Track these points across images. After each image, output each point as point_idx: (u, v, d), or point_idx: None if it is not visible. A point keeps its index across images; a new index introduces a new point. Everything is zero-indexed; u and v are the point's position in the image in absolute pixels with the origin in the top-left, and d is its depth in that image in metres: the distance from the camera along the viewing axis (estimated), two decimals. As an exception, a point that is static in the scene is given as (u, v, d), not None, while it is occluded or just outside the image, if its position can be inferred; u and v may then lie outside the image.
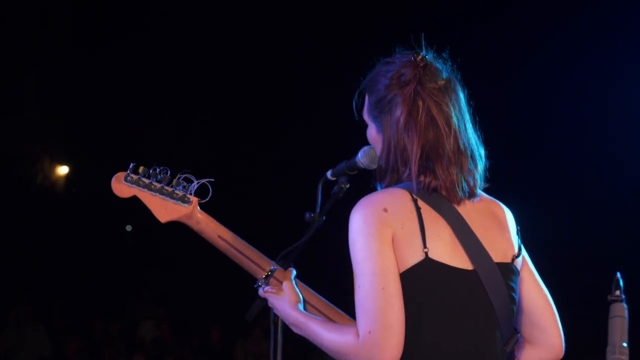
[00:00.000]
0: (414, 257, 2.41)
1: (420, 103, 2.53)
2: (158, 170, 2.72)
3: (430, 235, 2.43)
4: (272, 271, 2.69)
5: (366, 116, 2.67)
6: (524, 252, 2.67)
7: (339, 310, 2.73)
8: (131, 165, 2.73)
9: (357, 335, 2.36)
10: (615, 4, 10.12)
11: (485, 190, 2.68)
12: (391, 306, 2.34)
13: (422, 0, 11.06)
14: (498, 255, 2.54)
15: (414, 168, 2.50)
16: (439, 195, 2.51)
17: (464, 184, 2.53)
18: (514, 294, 2.55)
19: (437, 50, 2.65)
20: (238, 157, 14.02)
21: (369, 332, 2.33)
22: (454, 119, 2.54)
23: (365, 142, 2.72)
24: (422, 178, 2.51)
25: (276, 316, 2.71)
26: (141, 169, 2.73)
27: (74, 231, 14.64)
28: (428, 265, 2.41)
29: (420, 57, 2.58)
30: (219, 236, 2.71)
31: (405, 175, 2.54)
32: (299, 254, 2.74)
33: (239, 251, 2.70)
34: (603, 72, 10.36)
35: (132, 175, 2.72)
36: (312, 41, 12.33)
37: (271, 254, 2.80)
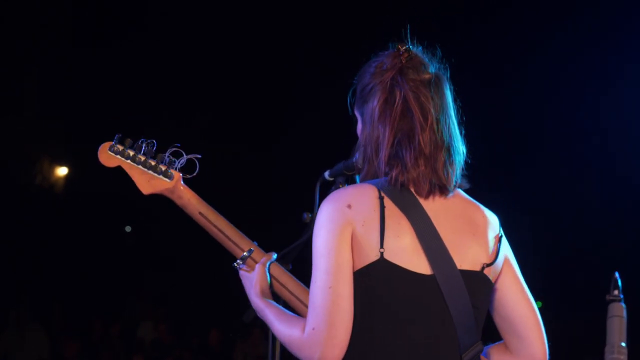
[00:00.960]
0: (369, 256, 2.38)
1: (398, 92, 2.50)
2: (145, 142, 2.77)
3: (389, 236, 2.39)
4: (250, 252, 2.69)
5: (355, 110, 2.66)
6: (508, 259, 2.60)
7: None
8: (117, 135, 2.80)
9: (303, 330, 2.36)
10: (614, 4, 10.11)
11: (467, 191, 2.63)
12: (337, 306, 2.33)
13: (423, 1, 11.06)
14: (465, 262, 2.47)
15: (384, 155, 2.47)
16: (409, 193, 2.46)
17: (434, 178, 2.48)
18: (478, 303, 2.48)
19: (434, 49, 2.63)
20: (238, 157, 14.03)
21: (313, 329, 2.33)
22: (432, 112, 2.50)
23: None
24: (391, 169, 2.47)
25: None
26: (127, 140, 2.80)
27: (73, 232, 14.64)
28: (382, 266, 2.37)
29: (404, 47, 2.57)
30: (200, 213, 2.73)
31: (377, 164, 2.51)
32: (297, 254, 2.73)
33: (220, 230, 2.71)
34: (603, 72, 10.36)
35: (118, 146, 2.78)
36: (312, 41, 12.33)
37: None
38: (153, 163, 2.74)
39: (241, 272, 2.71)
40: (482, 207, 2.61)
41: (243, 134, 14.03)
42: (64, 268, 14.48)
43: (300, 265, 2.76)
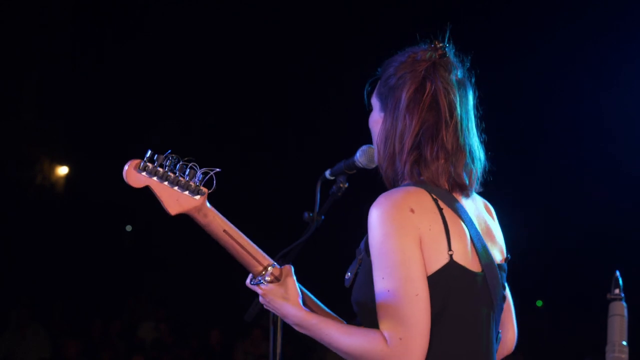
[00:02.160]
0: (439, 260, 2.37)
1: (429, 84, 2.50)
2: (171, 158, 2.54)
3: (454, 238, 2.40)
4: (273, 266, 2.62)
5: (374, 97, 2.63)
6: None
7: (331, 312, 2.69)
8: (149, 152, 2.51)
9: (385, 340, 2.30)
10: (612, 6, 10.12)
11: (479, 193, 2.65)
12: (424, 313, 2.30)
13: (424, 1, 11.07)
14: (497, 256, 2.54)
15: (407, 146, 2.47)
16: (449, 194, 2.48)
17: (454, 175, 2.49)
18: (505, 293, 2.56)
19: (466, 56, 2.64)
20: (239, 157, 14.03)
21: (400, 339, 2.28)
22: (458, 111, 2.51)
23: (365, 141, 2.71)
24: (412, 164, 2.48)
25: (275, 316, 2.67)
26: (157, 157, 2.53)
27: (74, 231, 14.65)
28: (452, 269, 2.38)
29: (440, 44, 2.58)
30: (224, 230, 2.62)
31: (398, 158, 2.50)
32: (297, 254, 2.72)
33: (242, 247, 2.63)
34: (603, 71, 10.36)
35: (149, 165, 2.51)
36: (313, 42, 12.33)
37: (271, 254, 2.79)
38: (184, 180, 2.54)
39: (268, 286, 2.60)
40: (486, 201, 2.69)
41: (244, 135, 14.03)
42: (64, 268, 14.49)
43: (298, 264, 2.75)
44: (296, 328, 2.56)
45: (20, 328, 10.47)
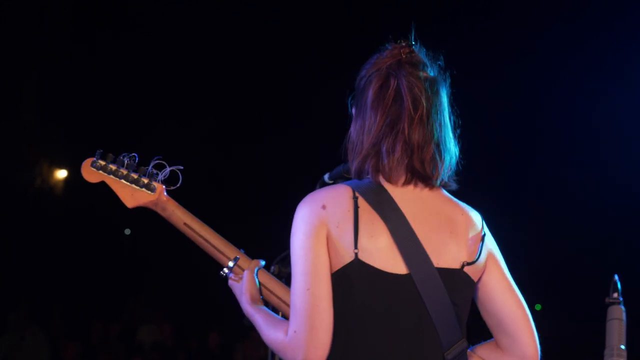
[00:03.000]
0: (344, 257, 2.39)
1: (392, 80, 2.51)
2: (127, 156, 2.82)
3: (363, 236, 2.39)
4: (236, 260, 2.72)
5: (352, 107, 2.65)
6: (493, 256, 2.58)
7: None
8: (98, 151, 2.86)
9: (287, 333, 2.39)
10: (610, 9, 10.11)
11: (460, 191, 2.63)
12: (316, 307, 2.34)
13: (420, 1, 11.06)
14: (442, 260, 2.46)
15: (368, 142, 2.49)
16: (384, 192, 2.47)
17: (419, 168, 2.48)
18: (458, 300, 2.47)
19: (439, 56, 2.63)
20: (236, 159, 14.03)
21: (295, 332, 2.36)
22: (424, 105, 2.49)
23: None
24: (368, 159, 2.49)
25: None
26: (109, 155, 2.85)
27: (73, 234, 14.64)
28: (357, 267, 2.38)
29: (406, 43, 2.59)
30: (184, 223, 2.77)
31: (361, 154, 2.51)
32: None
33: (205, 239, 2.74)
34: (599, 73, 10.35)
35: (100, 162, 2.85)
36: (310, 44, 12.33)
37: (271, 257, 2.80)
38: (135, 176, 2.81)
39: (230, 281, 2.74)
40: (462, 204, 2.61)
41: (242, 137, 14.02)
42: (63, 270, 14.48)
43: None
44: (251, 322, 2.65)
45: (19, 330, 10.47)
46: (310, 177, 2.90)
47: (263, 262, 2.75)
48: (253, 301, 2.63)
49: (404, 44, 2.58)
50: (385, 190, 2.47)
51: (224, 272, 2.75)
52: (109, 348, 11.64)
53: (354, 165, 2.55)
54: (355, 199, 2.43)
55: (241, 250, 2.78)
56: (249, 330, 11.04)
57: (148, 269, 15.09)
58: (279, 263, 2.76)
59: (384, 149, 2.47)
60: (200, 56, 13.29)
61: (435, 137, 2.49)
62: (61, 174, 15.81)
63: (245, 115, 13.75)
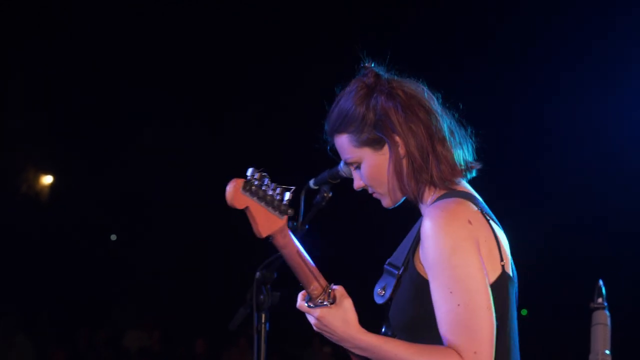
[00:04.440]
0: (495, 270, 2.39)
1: (400, 92, 2.50)
2: (263, 176, 2.35)
3: (502, 248, 2.42)
4: (332, 289, 2.48)
5: (353, 153, 2.56)
6: None
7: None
8: (250, 170, 2.32)
9: (460, 356, 2.27)
10: (611, 13, 10.14)
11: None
12: (493, 325, 2.29)
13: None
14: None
15: (428, 150, 2.46)
16: (480, 201, 2.50)
17: (464, 156, 2.52)
18: None
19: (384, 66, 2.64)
20: (236, 160, 14.04)
21: (475, 353, 2.26)
22: (435, 100, 2.54)
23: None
24: (437, 168, 2.47)
25: (260, 325, 2.66)
26: (258, 175, 2.33)
27: (58, 241, 14.61)
28: (505, 279, 2.40)
29: (369, 64, 2.58)
30: (297, 252, 2.47)
31: (432, 166, 2.46)
32: (281, 264, 2.71)
33: (309, 268, 2.50)
34: (603, 74, 10.37)
35: (253, 186, 2.32)
36: (311, 46, 12.36)
37: (257, 263, 2.79)
38: (276, 202, 2.36)
39: (324, 310, 2.45)
40: None
41: (240, 139, 14.02)
42: (49, 277, 14.44)
43: (284, 273, 2.75)
44: (356, 351, 2.45)
45: (5, 337, 10.44)
46: (292, 184, 2.87)
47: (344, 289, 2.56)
48: (361, 329, 2.42)
49: (370, 66, 2.58)
50: (478, 198, 2.50)
51: (319, 303, 2.46)
52: (96, 354, 11.62)
53: (434, 182, 2.48)
54: (482, 212, 2.43)
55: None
56: (235, 336, 11.07)
57: (133, 276, 15.07)
58: (263, 269, 2.73)
59: (440, 149, 2.47)
60: (191, 62, 13.32)
61: (453, 126, 2.54)
62: (46, 180, 15.78)
63: (239, 122, 13.77)
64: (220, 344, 11.62)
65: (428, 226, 2.35)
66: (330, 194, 2.73)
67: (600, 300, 2.33)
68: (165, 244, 14.55)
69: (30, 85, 13.72)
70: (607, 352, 2.26)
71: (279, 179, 2.35)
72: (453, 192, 2.46)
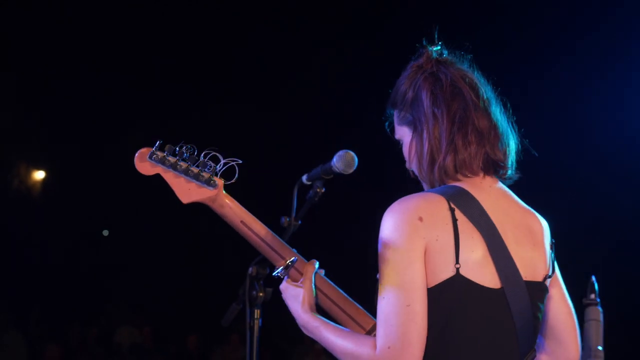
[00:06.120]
0: (444, 272, 2.31)
1: (442, 76, 2.48)
2: (185, 148, 2.57)
3: (464, 250, 2.33)
4: (292, 262, 2.59)
5: (398, 130, 2.59)
6: (556, 267, 2.59)
7: (358, 306, 2.65)
8: (158, 142, 2.59)
9: (375, 347, 2.28)
10: (614, 13, 10.13)
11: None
12: (414, 324, 2.26)
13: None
14: (528, 273, 2.44)
15: (445, 139, 2.43)
16: (475, 201, 2.41)
17: (491, 154, 2.46)
18: (539, 314, 2.48)
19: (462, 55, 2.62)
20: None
21: (388, 348, 2.25)
22: (482, 91, 2.49)
23: (341, 147, 2.71)
24: (449, 158, 2.44)
25: (252, 321, 2.68)
26: (167, 146, 2.58)
27: (50, 237, 14.59)
28: (458, 282, 2.32)
29: (436, 46, 2.58)
30: (241, 221, 2.59)
31: (441, 159, 2.45)
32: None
33: (261, 238, 2.60)
34: (605, 73, 10.36)
35: (158, 153, 2.58)
36: (311, 46, 12.35)
37: (249, 259, 2.78)
38: (196, 171, 2.57)
39: (284, 284, 2.58)
40: (535, 213, 2.59)
41: (235, 139, 14.01)
42: (41, 273, 14.42)
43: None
44: (304, 331, 2.52)
45: (-3, 333, 10.44)
46: (285, 180, 2.87)
47: (317, 264, 2.63)
48: (311, 309, 2.52)
49: (434, 48, 2.57)
50: (474, 198, 2.42)
51: (279, 274, 2.59)
52: (88, 350, 11.61)
53: (434, 174, 2.47)
54: (452, 210, 2.36)
55: (294, 250, 2.67)
56: (227, 332, 11.07)
57: (126, 272, 15.05)
58: (257, 264, 2.72)
59: (459, 143, 2.43)
60: (185, 59, 13.30)
61: (499, 124, 2.49)
62: (38, 175, 15.76)
63: (235, 122, 13.75)
64: (212, 340, 11.62)
65: (383, 217, 2.36)
66: (323, 190, 2.73)
67: (592, 296, 2.33)
68: (158, 240, 14.54)
69: (21, 80, 13.68)
70: (600, 347, 2.26)
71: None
72: (439, 188, 2.43)
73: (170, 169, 2.57)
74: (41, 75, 13.68)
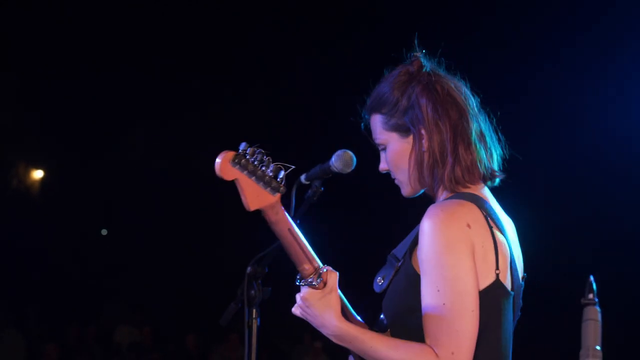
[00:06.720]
0: (487, 277, 2.37)
1: (438, 87, 2.51)
2: (260, 153, 2.46)
3: (501, 257, 2.40)
4: (322, 271, 2.53)
5: (382, 135, 2.61)
6: None
7: (358, 318, 2.67)
8: (242, 145, 2.45)
9: (436, 355, 2.29)
10: (610, 13, 10.13)
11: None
12: (475, 329, 2.31)
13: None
14: (520, 274, 2.54)
15: (449, 149, 2.46)
16: (491, 207, 2.47)
17: (485, 164, 2.51)
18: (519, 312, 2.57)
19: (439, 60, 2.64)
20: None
21: (452, 354, 2.28)
22: (472, 100, 2.54)
23: (340, 146, 2.71)
24: (455, 168, 2.47)
25: (250, 320, 2.66)
26: (251, 150, 2.45)
27: (48, 236, 14.59)
28: (497, 288, 2.38)
29: (418, 54, 2.60)
30: (288, 229, 2.54)
31: (448, 168, 2.48)
32: (272, 258, 2.71)
33: (301, 247, 2.54)
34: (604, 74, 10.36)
35: (242, 158, 2.43)
36: (312, 47, 12.36)
37: (248, 259, 2.78)
38: (269, 176, 2.47)
39: (311, 291, 2.49)
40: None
41: (228, 139, 14.02)
42: (40, 272, 14.43)
43: (275, 268, 2.74)
44: (333, 339, 2.47)
45: (-4, 332, 10.45)
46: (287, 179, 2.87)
47: (338, 275, 2.57)
48: (342, 318, 2.46)
49: (419, 55, 2.59)
50: (489, 204, 2.48)
51: (308, 282, 2.51)
52: (87, 350, 11.62)
53: (444, 181, 2.50)
54: (486, 217, 2.42)
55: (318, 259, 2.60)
56: (226, 331, 11.07)
57: (124, 271, 15.05)
58: (254, 264, 2.72)
59: (462, 151, 2.47)
60: (183, 62, 13.31)
61: (485, 130, 2.54)
62: (37, 174, 15.76)
63: (230, 122, 13.76)
64: (211, 340, 11.63)
65: (426, 224, 2.37)
66: (322, 189, 2.74)
67: (591, 296, 2.33)
68: (157, 239, 14.54)
69: (20, 80, 13.68)
70: (598, 347, 2.26)
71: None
72: (461, 194, 2.47)
73: (247, 175, 2.46)
74: (41, 75, 13.69)
